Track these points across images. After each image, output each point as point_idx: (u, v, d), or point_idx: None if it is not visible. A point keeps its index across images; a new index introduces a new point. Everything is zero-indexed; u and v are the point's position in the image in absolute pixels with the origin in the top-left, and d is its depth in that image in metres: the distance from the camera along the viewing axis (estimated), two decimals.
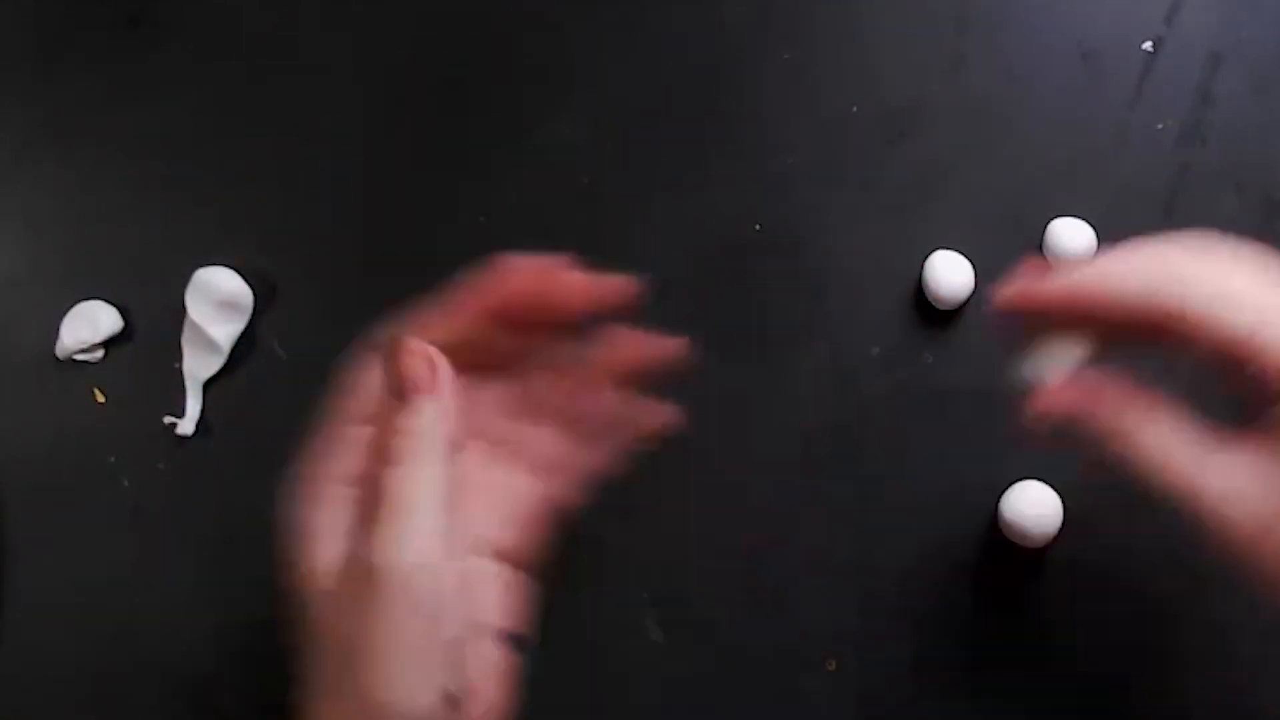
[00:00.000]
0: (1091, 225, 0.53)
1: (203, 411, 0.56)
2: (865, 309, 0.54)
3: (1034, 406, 0.41)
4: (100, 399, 0.55)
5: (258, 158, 0.58)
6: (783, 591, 0.52)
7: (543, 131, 0.57)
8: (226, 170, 0.58)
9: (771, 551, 0.53)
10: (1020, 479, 0.52)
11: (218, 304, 0.55)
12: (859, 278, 0.54)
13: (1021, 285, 0.40)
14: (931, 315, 0.54)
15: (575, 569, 0.52)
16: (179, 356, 0.56)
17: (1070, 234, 0.53)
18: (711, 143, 0.56)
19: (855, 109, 0.55)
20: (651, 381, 0.41)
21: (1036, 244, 0.54)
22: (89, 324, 0.56)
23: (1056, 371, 0.41)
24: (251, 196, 0.58)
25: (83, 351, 0.56)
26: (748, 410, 0.52)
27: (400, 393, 0.39)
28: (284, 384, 0.56)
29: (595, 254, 0.55)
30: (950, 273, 0.53)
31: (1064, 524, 0.51)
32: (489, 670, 0.40)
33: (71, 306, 0.57)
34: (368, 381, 0.41)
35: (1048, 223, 0.54)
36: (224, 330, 0.55)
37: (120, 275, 0.57)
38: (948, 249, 0.53)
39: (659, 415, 0.42)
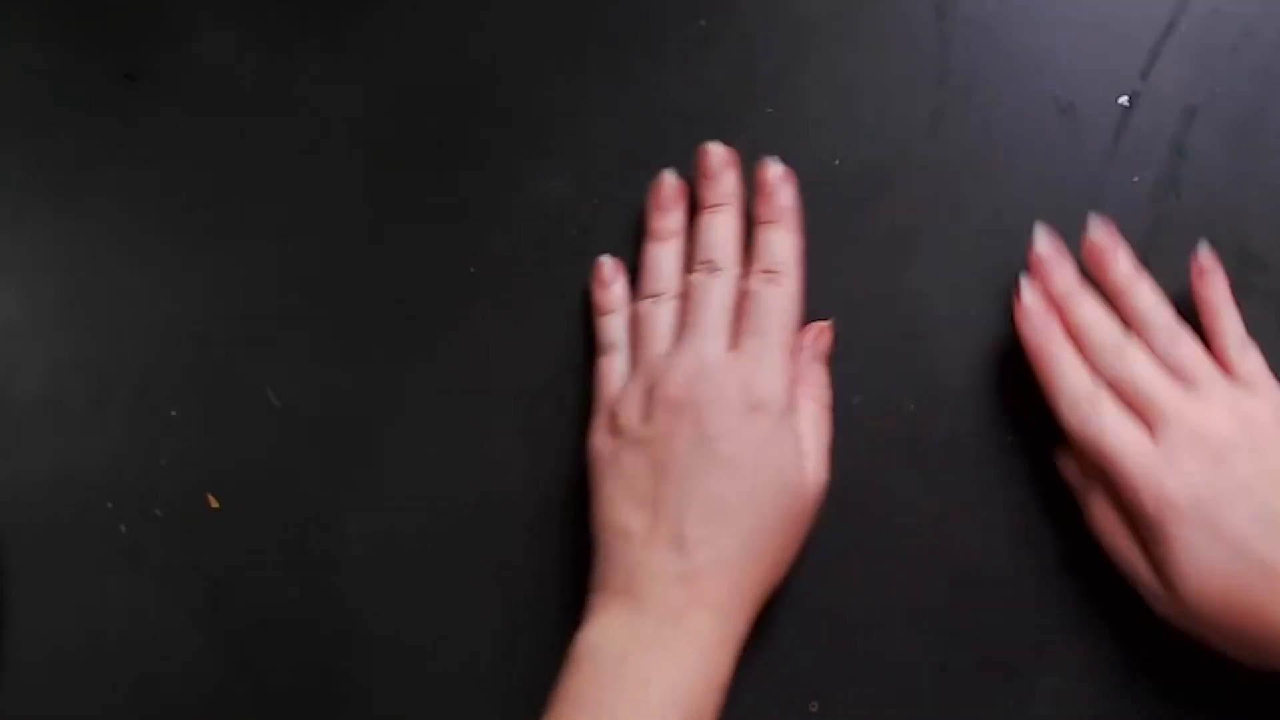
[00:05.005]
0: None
1: (197, 458, 0.57)
2: (847, 358, 0.55)
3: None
4: (214, 504, 0.57)
5: (252, 209, 0.59)
6: (765, 635, 0.53)
7: (532, 184, 0.58)
8: (221, 221, 0.59)
9: None
10: (1004, 529, 0.53)
11: None
12: (841, 327, 0.55)
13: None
14: (912, 364, 0.55)
15: (561, 621, 0.52)
16: (176, 406, 0.57)
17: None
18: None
19: (837, 162, 0.56)
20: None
21: (1015, 293, 0.55)
22: None
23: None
24: (246, 247, 0.59)
25: None
26: None
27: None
28: (277, 431, 0.57)
29: (583, 304, 0.57)
30: None
31: None
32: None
33: (67, 352, 0.58)
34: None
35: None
36: None
37: (117, 323, 0.59)
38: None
39: None
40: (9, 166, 0.60)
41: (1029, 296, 0.50)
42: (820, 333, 0.53)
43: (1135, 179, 0.55)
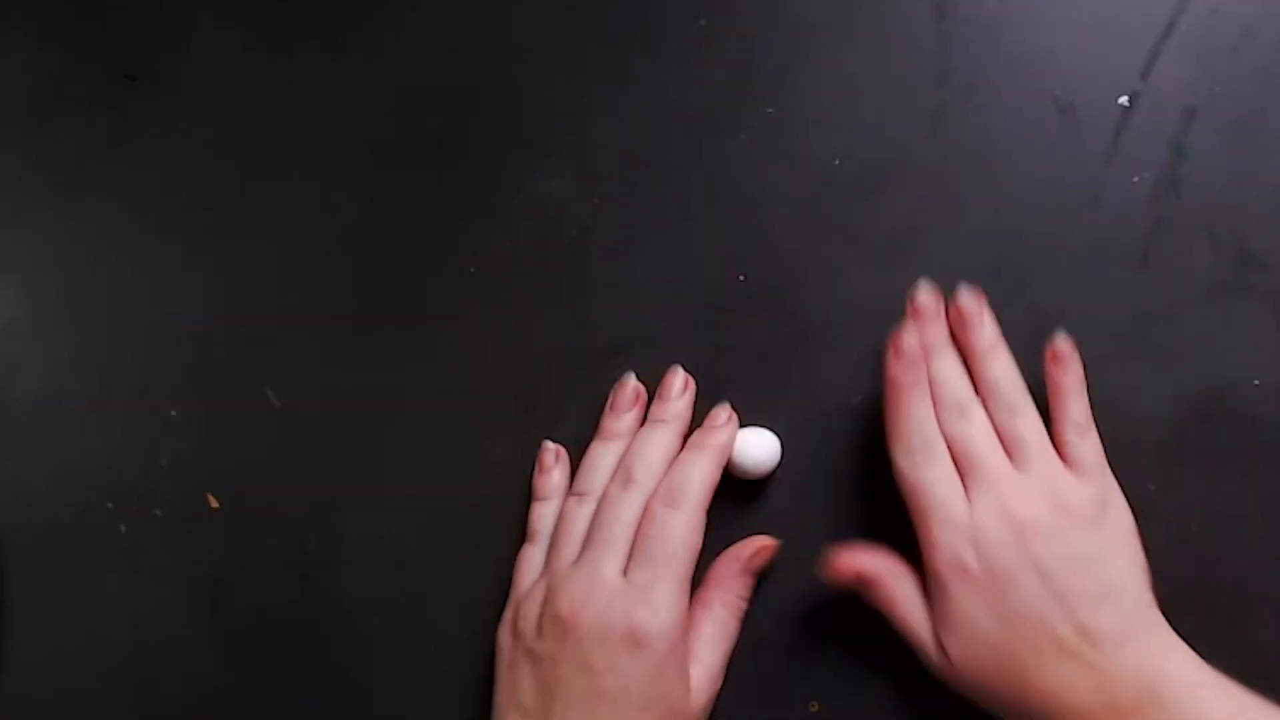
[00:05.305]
0: (1065, 276, 0.54)
1: (197, 458, 0.57)
2: (847, 358, 0.55)
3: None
4: (214, 504, 0.57)
5: (252, 209, 0.59)
6: (765, 635, 0.53)
7: (532, 184, 0.58)
8: (221, 221, 0.59)
9: (756, 596, 0.53)
10: None
11: None
12: (841, 327, 0.55)
13: None
14: None
15: None
16: (176, 406, 0.57)
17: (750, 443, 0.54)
18: (697, 194, 0.57)
19: (837, 162, 0.56)
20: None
21: (1015, 292, 0.55)
22: None
23: None
24: (246, 247, 0.59)
25: None
26: (731, 457, 0.53)
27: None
28: (277, 430, 0.57)
29: (582, 304, 0.57)
30: (752, 447, 0.54)
31: None
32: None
33: (67, 352, 0.58)
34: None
35: (1026, 270, 0.55)
36: None
37: (117, 323, 0.59)
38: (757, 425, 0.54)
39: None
40: (9, 166, 0.60)
41: (909, 338, 0.50)
42: (759, 551, 0.53)
43: (1135, 179, 0.55)
